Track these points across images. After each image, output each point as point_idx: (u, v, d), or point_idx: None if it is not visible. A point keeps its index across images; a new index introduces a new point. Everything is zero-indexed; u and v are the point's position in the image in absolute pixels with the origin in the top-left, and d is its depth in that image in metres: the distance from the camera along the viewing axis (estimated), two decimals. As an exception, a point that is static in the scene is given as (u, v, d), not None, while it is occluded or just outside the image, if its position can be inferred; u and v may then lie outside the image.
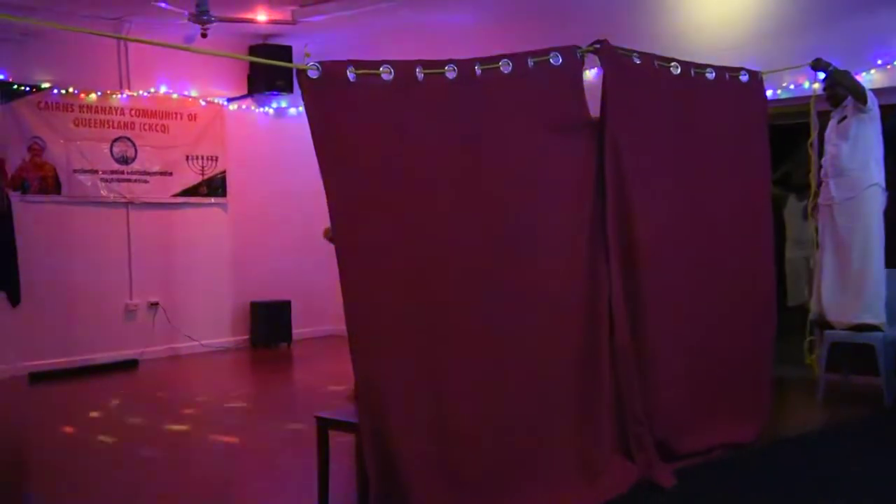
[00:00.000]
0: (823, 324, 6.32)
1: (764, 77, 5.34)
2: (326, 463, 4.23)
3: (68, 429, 6.34)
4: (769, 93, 5.79)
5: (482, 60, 4.02)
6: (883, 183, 6.08)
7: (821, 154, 6.39)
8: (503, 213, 4.12)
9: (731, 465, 4.82)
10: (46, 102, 8.40)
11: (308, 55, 6.87)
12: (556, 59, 4.31)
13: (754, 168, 5.23)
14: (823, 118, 6.36)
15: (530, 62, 4.21)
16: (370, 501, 3.75)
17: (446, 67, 3.89)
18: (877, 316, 6.06)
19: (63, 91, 8.48)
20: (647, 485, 4.41)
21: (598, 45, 4.52)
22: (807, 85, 6.77)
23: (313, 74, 3.59)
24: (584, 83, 4.48)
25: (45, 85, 8.39)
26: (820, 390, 6.38)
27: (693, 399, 4.85)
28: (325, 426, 4.24)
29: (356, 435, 3.98)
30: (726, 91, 5.10)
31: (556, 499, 4.14)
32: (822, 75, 6.10)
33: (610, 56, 4.55)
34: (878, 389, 6.13)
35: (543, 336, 4.26)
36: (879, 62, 6.44)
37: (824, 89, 6.18)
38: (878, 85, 6.26)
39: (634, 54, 4.67)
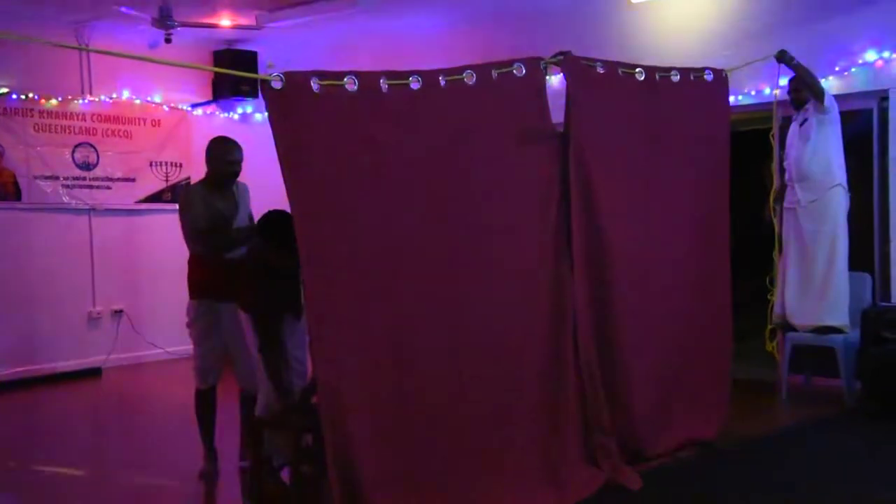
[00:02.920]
0: (786, 326, 6.40)
1: (728, 75, 5.38)
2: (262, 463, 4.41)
3: (33, 438, 6.25)
4: (731, 98, 5.85)
5: (446, 72, 4.04)
6: (846, 183, 6.16)
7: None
8: (468, 222, 4.14)
9: (696, 466, 4.89)
10: (5, 108, 8.25)
11: (271, 65, 6.82)
12: (519, 71, 4.34)
13: (715, 169, 5.27)
14: (785, 124, 6.45)
15: (494, 73, 4.23)
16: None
17: (410, 78, 3.90)
18: (840, 318, 6.15)
19: (23, 96, 8.34)
20: (614, 488, 4.45)
21: (560, 57, 4.55)
22: (767, 91, 6.85)
23: (277, 85, 3.59)
24: (549, 90, 4.50)
25: (4, 90, 8.24)
26: (783, 391, 6.47)
27: (658, 402, 4.91)
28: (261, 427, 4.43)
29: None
30: (691, 92, 5.14)
31: (521, 502, 4.16)
32: (783, 81, 6.18)
33: (573, 67, 4.59)
34: (840, 391, 6.22)
35: (508, 345, 4.29)
36: (837, 69, 6.54)
37: (789, 91, 6.26)
38: (835, 91, 6.35)
39: (598, 64, 4.70)
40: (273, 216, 4.50)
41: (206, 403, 5.07)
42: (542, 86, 4.47)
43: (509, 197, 4.31)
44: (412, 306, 3.92)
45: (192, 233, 4.97)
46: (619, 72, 4.80)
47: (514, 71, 4.31)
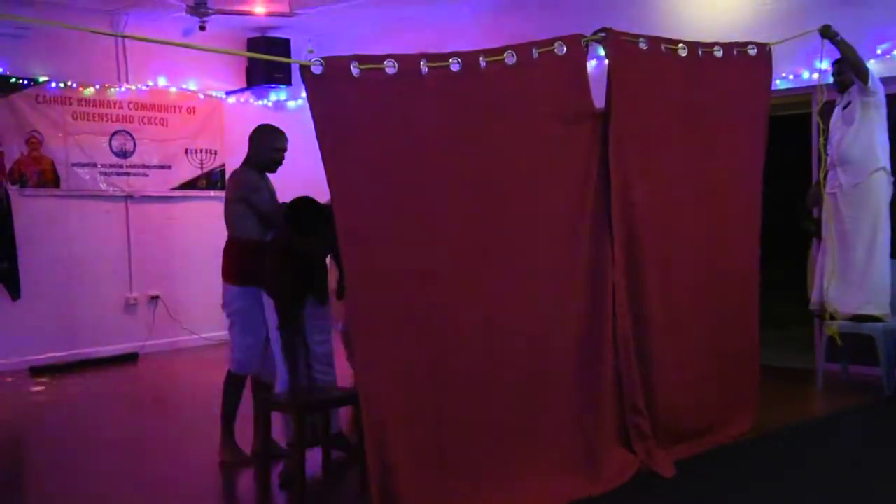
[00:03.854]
0: (823, 313, 6.32)
1: (772, 49, 5.25)
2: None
3: (69, 422, 6.35)
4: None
5: (486, 52, 4.01)
6: (889, 167, 6.04)
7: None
8: (508, 203, 4.12)
9: (731, 455, 4.85)
10: (44, 96, 8.37)
11: (311, 51, 6.85)
12: (560, 49, 4.28)
13: (753, 149, 5.18)
14: (827, 108, 6.34)
15: (535, 53, 4.18)
16: (370, 486, 3.76)
17: (450, 60, 3.88)
18: (880, 307, 6.05)
19: (61, 84, 8.44)
20: (648, 474, 4.44)
21: (603, 34, 4.48)
22: (806, 75, 6.76)
23: (317, 70, 3.59)
24: (589, 73, 4.46)
25: (43, 78, 8.36)
26: (819, 380, 6.40)
27: (692, 390, 4.87)
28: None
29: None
30: (735, 68, 5.04)
31: (556, 488, 4.16)
32: (825, 64, 6.08)
33: (615, 44, 4.50)
34: (877, 380, 6.15)
35: (546, 326, 4.27)
36: (879, 52, 6.44)
37: (833, 74, 6.15)
38: (878, 75, 6.24)
39: (641, 40, 4.61)
40: (300, 202, 4.54)
41: (238, 388, 5.04)
42: (583, 64, 4.41)
43: (550, 177, 4.28)
44: (451, 286, 3.92)
45: (265, 214, 4.86)
46: (662, 48, 4.69)
47: (555, 49, 4.26)
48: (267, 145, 5.00)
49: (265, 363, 5.04)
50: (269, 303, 4.78)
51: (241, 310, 4.94)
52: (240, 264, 4.94)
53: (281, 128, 5.14)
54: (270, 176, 5.11)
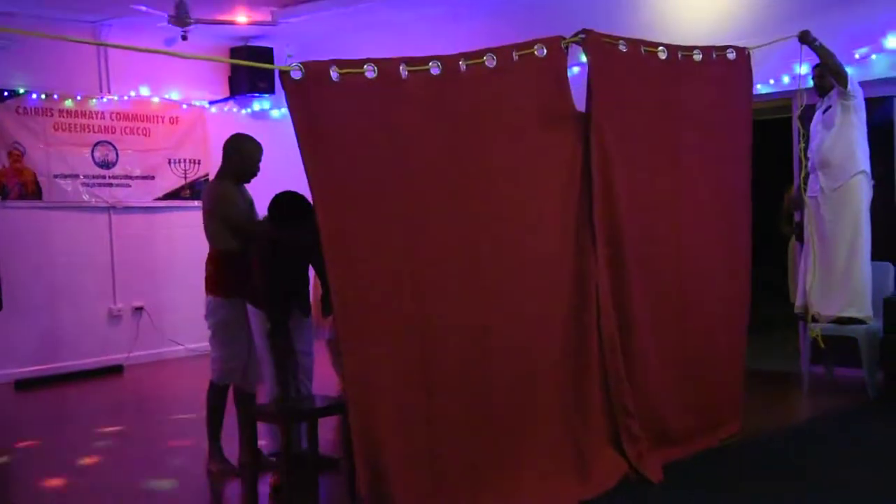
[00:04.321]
0: (806, 316, 6.34)
1: (751, 53, 5.29)
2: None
3: (54, 435, 6.30)
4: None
5: (466, 55, 4.02)
6: (869, 170, 6.08)
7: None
8: (490, 206, 4.12)
9: (718, 457, 4.86)
10: (25, 107, 8.33)
11: (290, 56, 6.83)
12: (540, 51, 4.29)
13: (737, 152, 5.21)
14: (807, 113, 6.39)
15: (515, 55, 4.20)
16: (357, 493, 3.74)
17: (430, 64, 3.88)
18: (862, 310, 6.07)
19: (42, 95, 8.41)
20: (635, 478, 4.44)
21: (583, 35, 4.49)
22: (786, 80, 6.80)
23: (296, 75, 3.59)
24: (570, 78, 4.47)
25: (24, 90, 8.32)
26: (804, 383, 6.42)
27: (676, 392, 4.87)
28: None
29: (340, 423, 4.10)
30: (714, 72, 5.07)
31: (547, 492, 4.16)
32: (805, 68, 6.12)
33: (595, 45, 4.52)
34: (862, 382, 6.17)
35: (532, 328, 4.28)
36: (857, 56, 6.48)
37: (813, 78, 6.19)
38: (856, 79, 6.28)
39: (620, 42, 4.63)
40: (284, 196, 4.58)
41: (221, 397, 5.03)
42: (563, 66, 4.42)
43: (532, 179, 4.29)
44: (436, 291, 3.91)
45: (235, 227, 4.87)
46: (642, 50, 4.73)
47: (535, 52, 4.27)
48: (249, 155, 4.99)
49: (247, 373, 5.02)
50: (254, 313, 4.77)
51: (224, 321, 4.94)
52: (221, 275, 4.93)
53: (264, 137, 5.14)
54: (247, 186, 5.08)
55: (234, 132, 5.23)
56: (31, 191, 8.35)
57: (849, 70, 6.17)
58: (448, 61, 3.95)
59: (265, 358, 4.77)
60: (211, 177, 9.05)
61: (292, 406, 4.51)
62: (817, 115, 6.27)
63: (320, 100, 3.64)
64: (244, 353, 4.96)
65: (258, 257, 4.67)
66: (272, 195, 4.99)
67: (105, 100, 8.81)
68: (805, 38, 5.75)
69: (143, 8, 7.25)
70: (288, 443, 4.29)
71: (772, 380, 6.78)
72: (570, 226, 4.45)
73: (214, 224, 4.93)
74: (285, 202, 4.57)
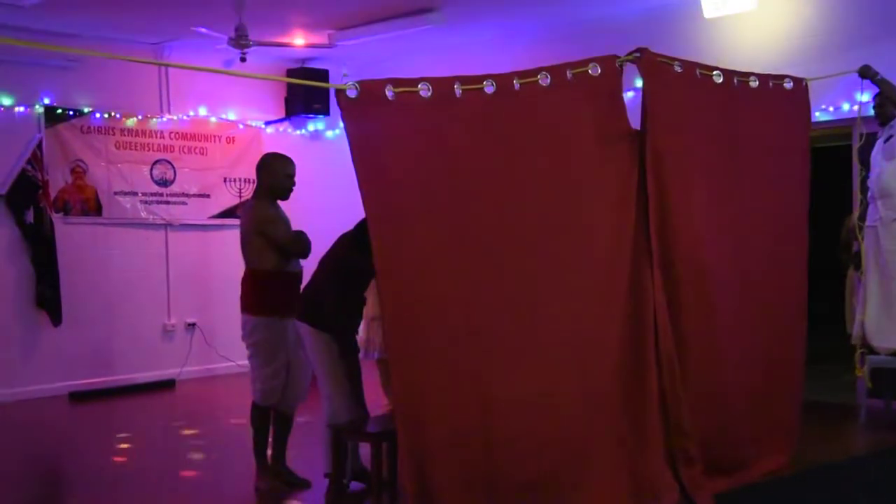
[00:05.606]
0: (864, 348, 6.20)
1: (808, 84, 5.26)
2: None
3: (106, 448, 6.39)
4: (808, 113, 5.72)
5: (520, 74, 4.03)
6: None
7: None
8: (545, 226, 4.11)
9: (770, 491, 4.74)
10: (89, 126, 8.55)
11: (346, 75, 6.92)
12: (594, 70, 4.28)
13: (794, 181, 5.15)
14: (868, 141, 6.28)
15: (569, 74, 4.20)
16: None
17: (484, 83, 3.90)
18: (922, 343, 5.93)
19: (105, 115, 8.63)
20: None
21: (637, 55, 4.47)
22: (846, 107, 6.69)
23: (352, 94, 3.63)
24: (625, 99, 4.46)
25: (88, 109, 8.55)
26: (862, 415, 6.26)
27: (731, 419, 4.78)
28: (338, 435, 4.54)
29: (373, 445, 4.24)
30: (770, 100, 5.03)
31: None
32: (866, 96, 6.03)
33: (650, 64, 4.50)
34: (921, 415, 6.02)
35: (588, 346, 4.23)
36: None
37: (874, 107, 6.11)
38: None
39: (676, 63, 4.60)
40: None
41: (265, 417, 5.06)
42: (618, 85, 4.41)
43: (586, 198, 4.27)
44: (489, 310, 3.89)
45: (283, 245, 4.92)
46: (697, 72, 4.70)
47: (590, 70, 4.26)
48: (280, 173, 5.03)
49: (286, 393, 5.03)
50: (310, 334, 4.76)
51: (263, 341, 4.96)
52: (259, 295, 4.97)
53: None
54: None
55: (289, 152, 5.31)
56: (92, 207, 8.55)
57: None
58: (502, 80, 3.96)
59: (325, 380, 4.76)
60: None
61: (382, 425, 4.52)
62: (878, 144, 6.16)
63: (375, 118, 3.68)
64: (282, 373, 4.98)
65: (336, 281, 4.68)
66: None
67: (164, 119, 9.00)
68: (866, 73, 5.71)
69: (204, 30, 7.41)
70: (380, 462, 4.32)
71: (828, 412, 6.62)
72: (626, 245, 4.40)
73: (256, 243, 4.96)
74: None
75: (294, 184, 5.11)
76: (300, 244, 4.96)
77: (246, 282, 5.05)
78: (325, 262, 4.81)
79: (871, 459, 5.48)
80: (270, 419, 5.07)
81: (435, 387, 3.71)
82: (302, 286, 5.01)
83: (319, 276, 4.80)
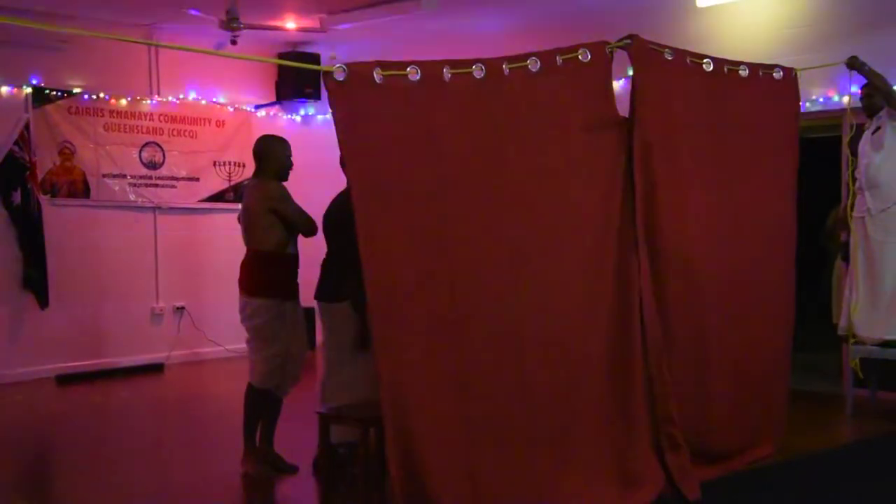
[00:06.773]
0: (850, 338, 6.22)
1: (798, 74, 5.25)
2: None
3: (93, 431, 6.38)
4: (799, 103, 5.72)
5: (510, 59, 4.00)
6: None
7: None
8: (533, 211, 4.09)
9: (756, 479, 4.75)
10: (77, 107, 8.49)
11: (334, 57, 6.86)
12: (584, 56, 4.26)
13: (784, 170, 5.15)
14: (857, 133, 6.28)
15: (559, 59, 4.17)
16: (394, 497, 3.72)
17: (473, 67, 3.86)
18: (910, 332, 5.95)
19: (94, 96, 8.57)
20: (673, 495, 4.36)
21: (628, 41, 4.45)
22: (836, 98, 6.69)
23: (339, 76, 3.58)
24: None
25: (77, 90, 8.49)
26: (848, 405, 6.29)
27: (714, 408, 4.79)
28: (326, 421, 4.47)
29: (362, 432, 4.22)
30: (759, 89, 5.02)
31: (586, 499, 4.11)
32: (854, 86, 6.03)
33: (641, 51, 4.48)
34: (907, 405, 6.05)
35: (575, 334, 4.23)
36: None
37: (861, 98, 6.11)
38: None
39: (666, 50, 4.59)
40: None
41: (261, 400, 5.02)
42: (607, 71, 4.39)
43: (573, 183, 4.25)
44: (474, 296, 3.87)
45: (294, 222, 4.91)
46: (688, 60, 4.69)
47: (580, 56, 4.24)
48: (283, 154, 5.03)
49: (284, 377, 5.02)
50: (333, 316, 4.84)
51: (264, 323, 4.92)
52: (262, 277, 4.93)
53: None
54: (291, 190, 5.10)
55: (268, 134, 5.31)
56: (80, 189, 8.51)
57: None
58: (491, 64, 3.93)
59: (344, 360, 4.83)
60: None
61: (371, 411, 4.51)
62: (866, 135, 6.17)
63: (363, 101, 3.64)
64: (284, 354, 4.97)
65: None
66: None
67: (154, 101, 8.95)
68: (854, 64, 5.71)
69: (195, 12, 7.36)
70: (366, 449, 4.33)
71: (814, 401, 6.65)
72: (612, 231, 4.39)
73: (265, 222, 4.89)
74: None
75: (291, 164, 5.10)
76: (311, 222, 4.97)
77: (248, 263, 5.00)
78: (339, 226, 4.70)
79: (858, 448, 5.51)
80: (264, 403, 5.04)
81: (415, 369, 3.69)
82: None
83: (340, 243, 4.72)
